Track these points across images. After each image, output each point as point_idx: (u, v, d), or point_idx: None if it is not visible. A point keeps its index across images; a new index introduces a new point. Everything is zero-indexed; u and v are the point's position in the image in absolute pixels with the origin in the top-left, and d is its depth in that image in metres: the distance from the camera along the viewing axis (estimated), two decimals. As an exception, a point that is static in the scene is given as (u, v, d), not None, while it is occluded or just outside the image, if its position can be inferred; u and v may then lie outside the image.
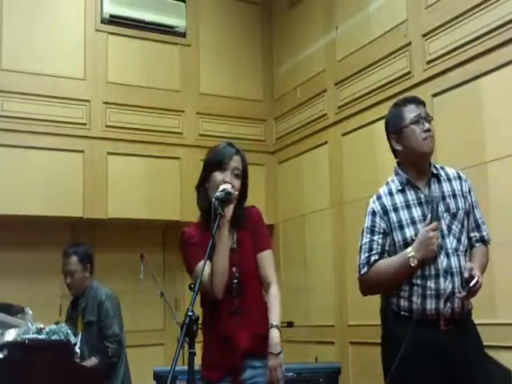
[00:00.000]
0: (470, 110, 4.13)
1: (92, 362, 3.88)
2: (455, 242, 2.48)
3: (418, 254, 2.40)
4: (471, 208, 2.57)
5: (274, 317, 2.49)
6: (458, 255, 2.46)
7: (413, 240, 2.46)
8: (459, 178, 2.61)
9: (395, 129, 2.59)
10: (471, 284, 2.34)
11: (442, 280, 2.42)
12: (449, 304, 2.41)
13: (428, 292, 2.43)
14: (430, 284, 2.43)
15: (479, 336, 2.51)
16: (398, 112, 2.60)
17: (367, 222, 2.58)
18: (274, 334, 2.45)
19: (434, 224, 2.41)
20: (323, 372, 4.18)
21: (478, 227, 2.58)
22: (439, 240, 2.41)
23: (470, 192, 2.60)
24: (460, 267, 2.45)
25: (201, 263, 2.34)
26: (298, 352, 5.10)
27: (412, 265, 2.40)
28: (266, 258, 2.57)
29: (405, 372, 2.44)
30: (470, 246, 2.56)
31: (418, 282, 2.44)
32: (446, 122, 4.23)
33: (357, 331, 5.02)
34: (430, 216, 2.43)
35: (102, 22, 5.74)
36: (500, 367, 3.15)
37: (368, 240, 2.55)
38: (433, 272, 2.43)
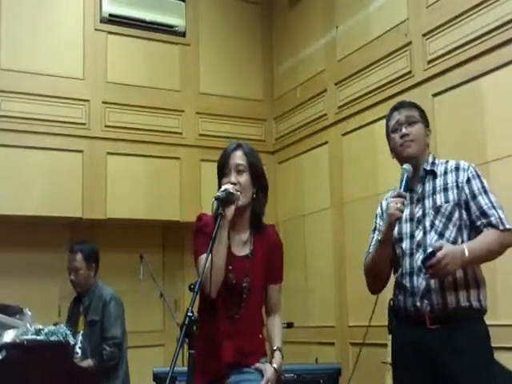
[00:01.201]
0: (470, 109, 4.12)
1: (87, 363, 3.87)
2: (436, 237, 2.43)
3: (383, 226, 2.48)
4: (469, 197, 2.46)
5: (278, 341, 2.52)
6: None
7: (395, 238, 2.51)
8: (457, 168, 2.53)
9: (387, 138, 2.69)
10: (423, 256, 2.31)
11: (414, 278, 2.43)
12: (426, 301, 2.39)
13: (406, 290, 2.45)
14: (406, 282, 2.45)
15: (478, 335, 2.42)
16: (386, 121, 2.69)
17: (372, 225, 2.72)
18: (279, 356, 2.47)
19: (396, 191, 2.44)
20: (323, 373, 4.17)
21: (483, 214, 2.43)
22: (399, 205, 2.38)
23: (468, 181, 2.48)
24: None
25: (204, 256, 2.32)
26: (298, 353, 5.08)
27: (379, 238, 2.49)
28: (278, 291, 2.63)
29: (395, 373, 2.50)
30: (479, 233, 2.44)
31: (399, 280, 2.49)
32: (446, 122, 4.22)
33: (357, 332, 5.00)
34: (399, 185, 2.47)
35: (101, 21, 5.73)
36: (502, 369, 3.14)
37: (370, 239, 2.68)
38: (408, 270, 2.45)
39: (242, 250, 2.51)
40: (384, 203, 2.66)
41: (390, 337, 2.63)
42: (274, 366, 2.43)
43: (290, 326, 4.75)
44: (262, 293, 2.55)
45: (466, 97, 4.16)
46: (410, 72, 4.64)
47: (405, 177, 2.47)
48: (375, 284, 2.63)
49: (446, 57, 4.31)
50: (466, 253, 2.31)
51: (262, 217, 2.57)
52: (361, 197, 4.86)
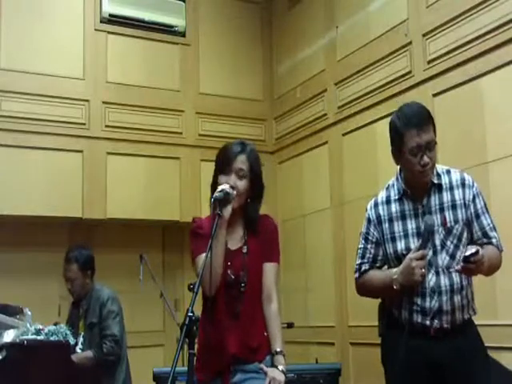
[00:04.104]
0: (470, 109, 4.12)
1: (86, 353, 3.88)
2: (447, 259, 2.40)
3: (401, 278, 2.36)
4: (473, 216, 2.46)
5: (278, 343, 2.48)
6: (449, 273, 2.40)
7: (403, 253, 2.42)
8: (463, 184, 2.48)
9: (394, 145, 2.48)
10: (467, 253, 2.24)
11: (428, 299, 2.39)
12: (436, 321, 2.38)
13: (414, 308, 2.41)
14: (417, 301, 2.40)
15: (478, 342, 2.45)
16: (398, 130, 2.44)
17: (363, 228, 2.60)
18: (281, 359, 2.45)
19: (420, 252, 2.33)
20: (323, 373, 4.17)
21: (485, 235, 2.45)
22: (423, 271, 2.31)
23: (474, 199, 2.47)
24: (451, 285, 2.39)
25: (201, 256, 2.36)
26: (298, 353, 5.09)
27: (394, 287, 2.38)
28: (271, 270, 2.56)
29: (393, 376, 2.46)
30: None
31: (407, 296, 2.41)
32: (446, 122, 4.21)
33: (357, 332, 5.01)
34: (419, 243, 2.36)
35: (101, 21, 5.72)
36: (502, 368, 3.14)
37: (362, 247, 2.59)
38: (420, 289, 2.39)
39: (237, 244, 2.54)
40: (381, 212, 2.55)
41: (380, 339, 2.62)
42: (281, 368, 2.43)
43: (290, 326, 4.75)
44: (260, 285, 2.54)
45: (466, 97, 4.16)
46: (410, 72, 4.64)
47: (427, 234, 2.35)
48: (370, 297, 2.65)
49: (446, 57, 4.31)
50: (486, 263, 2.31)
51: (254, 223, 2.56)
52: (361, 197, 4.84)
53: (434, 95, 4.38)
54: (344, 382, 4.41)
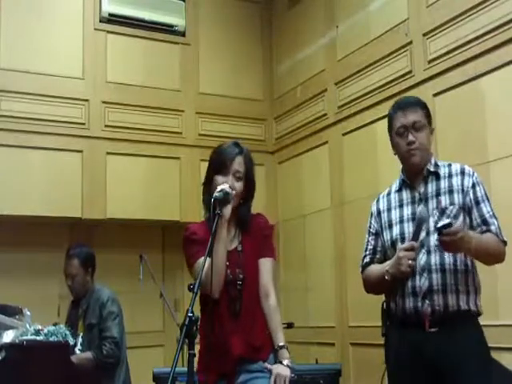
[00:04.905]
0: (471, 109, 4.12)
1: (86, 355, 3.86)
2: None
3: (391, 269, 2.39)
4: (473, 203, 2.45)
5: (281, 337, 2.49)
6: (441, 252, 2.39)
7: (397, 238, 2.48)
8: (462, 173, 2.52)
9: (388, 133, 2.61)
10: (439, 224, 2.25)
11: (417, 277, 2.40)
12: (427, 302, 2.37)
13: (406, 290, 2.42)
14: (408, 282, 2.41)
15: (477, 339, 2.42)
16: (389, 117, 2.60)
17: (367, 224, 2.68)
18: (285, 353, 2.46)
19: (410, 243, 2.35)
20: (324, 373, 4.16)
21: (484, 222, 2.43)
22: (411, 262, 2.31)
23: (473, 187, 2.47)
24: (442, 264, 2.39)
25: (200, 260, 2.35)
26: (298, 353, 5.07)
27: (386, 277, 2.40)
28: (267, 265, 2.57)
29: (392, 374, 2.47)
30: None
31: (398, 281, 2.43)
32: (446, 122, 4.21)
33: (357, 332, 5.00)
34: (412, 234, 2.38)
35: (100, 21, 5.72)
36: (502, 369, 3.13)
37: (366, 241, 2.66)
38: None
39: (232, 244, 2.55)
40: (381, 204, 2.62)
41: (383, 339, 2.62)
42: (285, 362, 2.43)
43: (290, 326, 4.74)
44: (257, 282, 2.54)
45: (466, 97, 4.16)
46: (410, 72, 4.64)
47: (418, 225, 2.35)
48: (374, 293, 2.66)
49: (446, 57, 4.31)
50: (473, 241, 2.31)
51: (247, 222, 2.58)
52: (361, 197, 4.85)
53: (434, 95, 4.37)
54: (344, 382, 4.41)
